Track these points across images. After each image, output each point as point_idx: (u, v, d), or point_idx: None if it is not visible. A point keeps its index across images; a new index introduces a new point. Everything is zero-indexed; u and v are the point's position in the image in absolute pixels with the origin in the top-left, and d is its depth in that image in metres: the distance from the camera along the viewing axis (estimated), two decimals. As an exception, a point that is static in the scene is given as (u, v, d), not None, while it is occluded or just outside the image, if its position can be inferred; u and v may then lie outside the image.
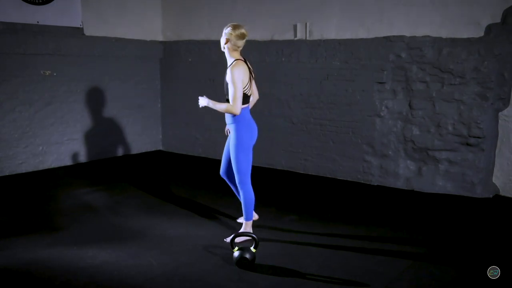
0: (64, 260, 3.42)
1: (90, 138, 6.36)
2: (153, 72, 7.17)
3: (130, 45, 6.71)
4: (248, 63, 3.74)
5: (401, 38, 5.13)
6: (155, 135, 7.33)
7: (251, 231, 3.77)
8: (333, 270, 3.30)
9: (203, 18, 6.67)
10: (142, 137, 7.10)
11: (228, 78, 3.55)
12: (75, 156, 6.25)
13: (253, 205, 3.79)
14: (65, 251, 3.58)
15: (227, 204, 4.62)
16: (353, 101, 5.53)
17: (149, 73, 7.11)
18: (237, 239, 3.60)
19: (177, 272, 3.28)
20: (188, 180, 5.75)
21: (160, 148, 7.41)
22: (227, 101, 3.61)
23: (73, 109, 6.17)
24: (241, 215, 4.27)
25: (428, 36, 5.00)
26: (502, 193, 5.02)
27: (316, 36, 5.74)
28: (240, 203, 4.15)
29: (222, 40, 3.64)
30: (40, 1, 5.68)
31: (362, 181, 5.57)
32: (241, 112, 3.59)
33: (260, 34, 6.14)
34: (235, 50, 3.63)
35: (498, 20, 4.67)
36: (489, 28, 4.71)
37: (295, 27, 5.87)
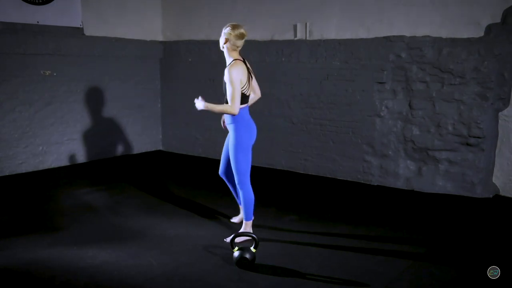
0: (64, 260, 3.42)
1: (90, 138, 6.37)
2: (153, 72, 7.17)
3: (130, 45, 6.71)
4: (247, 63, 3.74)
5: (401, 38, 5.13)
6: (155, 135, 7.33)
7: (251, 231, 3.77)
8: (333, 270, 3.30)
9: (203, 18, 6.67)
10: (142, 137, 7.10)
11: (226, 78, 3.55)
12: (75, 156, 6.25)
13: (253, 205, 3.79)
14: (65, 251, 3.58)
15: (227, 204, 4.61)
16: (353, 101, 5.53)
17: (149, 73, 7.11)
18: (237, 239, 3.60)
19: (177, 272, 3.28)
20: (188, 180, 5.75)
21: (160, 148, 7.41)
22: (227, 101, 3.62)
23: (73, 109, 6.17)
24: (225, 215, 4.34)
25: (428, 36, 5.00)
26: (502, 193, 5.02)
27: (316, 36, 5.74)
28: (236, 202, 4.17)
29: (221, 40, 3.64)
30: (40, 1, 5.68)
31: (362, 181, 5.57)
32: (240, 112, 3.59)
33: (260, 34, 6.14)
34: (234, 50, 3.64)
35: (498, 20, 4.67)
36: (489, 28, 4.71)
37: (295, 27, 5.87)
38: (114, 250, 3.62)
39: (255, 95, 3.92)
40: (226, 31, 3.60)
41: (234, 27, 3.59)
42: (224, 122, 3.93)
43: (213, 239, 3.87)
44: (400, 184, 5.34)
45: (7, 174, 5.57)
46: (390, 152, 5.37)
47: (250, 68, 3.75)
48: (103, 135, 6.54)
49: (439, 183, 5.12)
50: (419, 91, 5.12)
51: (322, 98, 5.73)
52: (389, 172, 5.39)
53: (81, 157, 6.32)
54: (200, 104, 3.74)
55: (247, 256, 3.30)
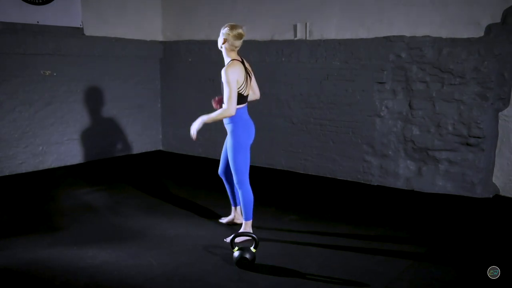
0: (64, 260, 3.42)
1: (90, 138, 6.36)
2: (153, 72, 7.17)
3: (130, 45, 6.71)
4: (246, 63, 3.74)
5: (401, 38, 5.13)
6: (155, 135, 7.33)
7: (251, 231, 3.77)
8: (333, 270, 3.30)
9: (203, 18, 6.67)
10: (142, 137, 7.10)
11: (222, 78, 3.56)
12: (75, 156, 6.25)
13: (252, 205, 3.79)
14: (65, 251, 3.58)
15: (227, 204, 4.59)
16: (353, 101, 5.53)
17: (149, 73, 7.11)
18: (237, 239, 3.60)
19: (177, 272, 3.28)
20: (188, 180, 5.75)
21: (160, 148, 7.41)
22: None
23: (73, 109, 6.17)
24: (224, 215, 4.34)
25: (428, 36, 5.00)
26: (502, 193, 5.02)
27: (316, 36, 5.74)
28: (229, 203, 4.17)
29: (220, 40, 3.65)
30: (40, 1, 5.68)
31: (362, 181, 5.57)
32: (237, 112, 3.59)
33: (260, 34, 6.14)
34: (233, 50, 3.64)
35: (498, 20, 4.67)
36: (489, 28, 4.71)
37: (295, 27, 5.87)
38: (114, 250, 3.62)
39: (254, 95, 3.92)
40: (224, 31, 3.61)
41: (232, 27, 3.59)
42: (215, 101, 3.93)
43: (213, 239, 3.87)
44: (400, 184, 5.34)
45: (7, 174, 5.57)
46: (390, 152, 5.37)
47: (249, 68, 3.75)
48: (103, 135, 6.54)
49: (439, 183, 5.12)
50: (419, 91, 5.12)
51: (322, 98, 5.73)
52: (389, 172, 5.39)
53: (81, 157, 6.32)
54: (195, 124, 3.72)
55: (247, 256, 3.30)
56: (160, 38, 7.16)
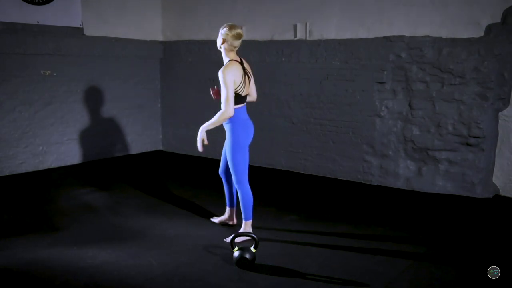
0: (64, 260, 3.42)
1: (90, 138, 6.36)
2: (153, 72, 7.17)
3: (130, 45, 6.71)
4: (245, 63, 3.74)
5: (401, 38, 5.13)
6: (155, 135, 7.33)
7: (251, 231, 3.78)
8: (333, 270, 3.30)
9: (203, 18, 6.67)
10: (142, 137, 7.10)
11: (219, 79, 3.56)
12: (75, 156, 6.25)
13: (251, 205, 3.79)
14: (65, 251, 3.58)
15: (227, 204, 4.62)
16: (353, 101, 5.53)
17: (149, 73, 7.11)
18: (237, 239, 3.60)
19: (177, 272, 3.28)
20: (188, 180, 5.75)
21: (160, 148, 7.41)
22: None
23: (73, 109, 6.17)
24: (216, 215, 4.36)
25: (428, 36, 5.00)
26: (502, 193, 5.02)
27: (316, 36, 5.74)
28: (225, 202, 4.18)
29: (219, 41, 3.65)
30: (40, 1, 5.68)
31: (362, 181, 5.57)
32: (236, 112, 3.59)
33: (260, 34, 6.14)
34: (232, 50, 3.65)
35: (498, 20, 4.67)
36: (489, 28, 4.71)
37: (295, 27, 5.87)
38: (114, 250, 3.62)
39: (251, 97, 3.90)
40: (223, 31, 3.61)
41: (231, 28, 3.59)
42: (214, 92, 3.92)
43: (213, 239, 3.87)
44: (400, 184, 5.34)
45: (7, 174, 5.57)
46: (390, 152, 5.37)
47: (247, 68, 3.75)
48: (103, 135, 6.54)
49: (439, 183, 5.12)
50: (419, 91, 5.12)
51: (322, 98, 5.73)
52: (389, 172, 5.39)
53: (81, 157, 6.32)
54: (198, 136, 3.66)
55: (247, 256, 3.30)
56: (160, 38, 7.16)
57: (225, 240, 3.77)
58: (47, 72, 5.86)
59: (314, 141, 5.86)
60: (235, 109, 3.58)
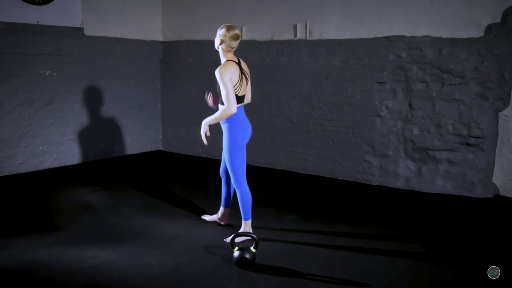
0: (64, 260, 3.42)
1: (90, 138, 6.36)
2: (153, 72, 7.17)
3: (130, 45, 6.71)
4: (243, 64, 3.74)
5: (401, 38, 5.13)
6: (155, 135, 7.33)
7: (251, 231, 3.78)
8: (333, 270, 3.30)
9: (203, 18, 6.67)
10: (142, 137, 7.10)
11: (217, 79, 3.57)
12: (75, 156, 6.25)
13: (250, 205, 3.80)
14: (65, 251, 3.58)
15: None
16: (353, 101, 5.53)
17: (149, 73, 7.11)
18: (237, 239, 3.60)
19: (177, 272, 3.28)
20: (188, 180, 5.75)
21: (160, 148, 7.41)
22: (222, 102, 3.62)
23: (73, 109, 6.17)
24: (207, 213, 4.40)
25: (428, 36, 5.00)
26: (502, 193, 5.02)
27: (316, 36, 5.74)
28: (219, 202, 4.18)
29: (216, 41, 3.66)
30: (40, 1, 5.68)
31: (362, 181, 5.57)
32: None
33: (260, 34, 6.14)
34: (229, 51, 3.66)
35: (498, 20, 4.67)
36: (489, 28, 4.71)
37: (295, 27, 5.87)
38: (114, 250, 3.62)
39: (245, 99, 3.89)
40: (221, 32, 3.62)
41: (229, 28, 3.60)
42: (212, 99, 3.93)
43: (213, 239, 3.87)
44: (400, 184, 5.34)
45: (7, 174, 5.57)
46: (390, 152, 5.37)
47: (245, 69, 3.75)
48: (103, 135, 6.54)
49: (439, 183, 5.12)
50: (419, 91, 5.12)
51: (322, 98, 5.73)
52: (389, 172, 5.39)
53: (81, 157, 6.32)
54: (202, 130, 3.73)
55: (247, 256, 3.30)
56: (160, 38, 7.16)
57: (225, 240, 3.77)
58: (47, 72, 5.86)
59: (314, 141, 5.86)
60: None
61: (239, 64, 3.68)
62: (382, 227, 4.17)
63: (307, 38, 5.79)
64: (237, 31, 3.62)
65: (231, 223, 4.18)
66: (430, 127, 5.10)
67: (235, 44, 3.63)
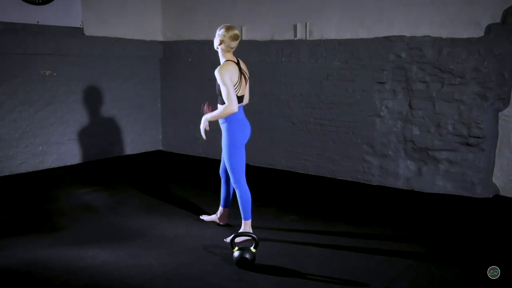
0: (64, 260, 3.42)
1: (90, 138, 6.36)
2: (153, 72, 7.17)
3: (130, 45, 6.72)
4: (242, 64, 3.75)
5: (401, 38, 5.13)
6: (155, 135, 7.33)
7: (251, 231, 3.78)
8: (333, 270, 3.30)
9: (203, 18, 6.67)
10: (142, 137, 7.10)
11: (217, 79, 3.57)
12: (75, 156, 6.25)
13: (250, 204, 3.80)
14: (65, 251, 3.58)
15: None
16: (353, 101, 5.53)
17: (149, 73, 7.11)
18: (237, 239, 3.60)
19: (177, 272, 3.28)
20: (188, 180, 5.75)
21: (160, 148, 7.41)
22: (222, 102, 3.62)
23: (73, 109, 6.17)
24: (206, 213, 4.40)
25: (428, 36, 5.00)
26: (502, 193, 5.02)
27: (316, 36, 5.74)
28: (219, 202, 4.18)
29: (216, 41, 3.66)
30: (40, 1, 5.68)
31: (362, 181, 5.57)
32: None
33: (260, 34, 6.14)
34: (228, 51, 3.67)
35: (498, 20, 4.67)
36: (489, 28, 4.71)
37: (295, 27, 5.87)
38: (114, 250, 3.62)
39: (245, 99, 3.90)
40: (220, 32, 3.62)
41: (228, 29, 3.61)
42: (205, 107, 3.94)
43: (213, 239, 3.87)
44: (400, 184, 5.34)
45: (7, 174, 5.57)
46: (390, 152, 5.37)
47: (244, 69, 3.76)
48: (103, 135, 6.54)
49: (439, 183, 5.12)
50: (419, 91, 5.12)
51: (322, 98, 5.73)
52: (389, 172, 5.39)
53: (81, 157, 6.32)
54: (201, 125, 3.78)
55: (247, 256, 3.30)
56: (160, 38, 7.16)
57: (225, 240, 3.77)
58: (47, 72, 5.86)
59: (314, 141, 5.86)
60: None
61: (238, 64, 3.68)
62: (382, 227, 4.17)
63: (307, 38, 5.79)
64: (236, 31, 3.62)
65: (231, 223, 4.18)
66: (430, 127, 5.10)
67: (234, 44, 3.64)
